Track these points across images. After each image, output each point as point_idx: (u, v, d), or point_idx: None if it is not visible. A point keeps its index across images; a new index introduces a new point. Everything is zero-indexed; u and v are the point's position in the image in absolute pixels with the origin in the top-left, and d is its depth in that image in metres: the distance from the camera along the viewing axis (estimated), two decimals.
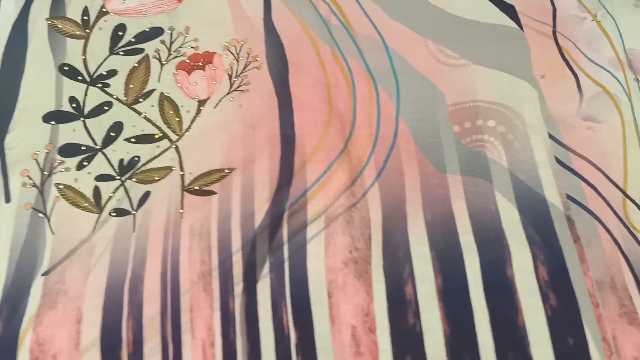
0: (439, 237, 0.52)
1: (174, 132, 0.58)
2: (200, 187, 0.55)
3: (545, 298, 0.48)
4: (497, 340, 0.47)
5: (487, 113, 0.57)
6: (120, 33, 0.62)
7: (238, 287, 0.51)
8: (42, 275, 0.52)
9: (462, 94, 0.59)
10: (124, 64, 0.61)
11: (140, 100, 0.59)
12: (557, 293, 0.49)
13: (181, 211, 0.54)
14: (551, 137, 0.56)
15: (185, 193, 0.55)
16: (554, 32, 0.62)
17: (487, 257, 0.50)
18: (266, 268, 0.51)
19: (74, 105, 0.59)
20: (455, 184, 0.54)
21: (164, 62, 0.61)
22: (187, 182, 0.55)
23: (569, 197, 0.53)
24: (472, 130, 0.57)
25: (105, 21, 0.63)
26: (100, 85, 0.60)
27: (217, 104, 0.59)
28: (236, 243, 0.52)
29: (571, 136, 0.56)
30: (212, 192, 0.55)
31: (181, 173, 0.56)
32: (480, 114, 0.57)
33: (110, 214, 0.54)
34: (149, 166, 0.56)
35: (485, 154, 0.55)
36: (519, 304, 0.48)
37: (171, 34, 0.63)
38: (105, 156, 0.57)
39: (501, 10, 0.63)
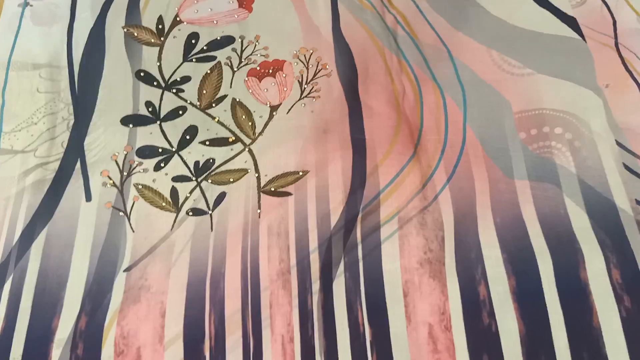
0: (510, 240, 0.53)
1: (247, 135, 0.60)
2: (276, 188, 0.57)
3: (619, 300, 0.49)
4: (572, 341, 0.49)
5: (553, 120, 0.59)
6: (193, 41, 0.65)
7: (315, 285, 0.52)
8: (124, 271, 0.54)
9: (528, 102, 0.60)
10: (197, 70, 0.64)
11: (213, 105, 0.62)
12: (631, 295, 0.50)
13: (259, 211, 0.56)
14: (618, 144, 0.57)
15: (262, 194, 0.57)
16: (616, 44, 0.64)
17: (560, 260, 0.52)
18: (341, 267, 0.53)
19: (150, 109, 0.61)
20: (523, 189, 0.56)
21: (235, 69, 0.64)
22: (263, 183, 0.57)
23: (638, 202, 0.54)
24: (539, 137, 0.58)
25: (179, 30, 0.66)
26: (174, 90, 0.62)
27: (289, 110, 0.61)
28: (313, 242, 0.54)
29: (638, 143, 0.57)
30: (288, 194, 0.57)
31: (257, 175, 0.58)
32: (546, 121, 0.59)
33: (187, 214, 0.56)
34: (223, 168, 0.59)
35: (553, 160, 0.57)
36: (594, 306, 0.49)
37: (242, 42, 0.65)
38: (182, 158, 0.59)
39: (563, 22, 0.65)
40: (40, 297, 0.53)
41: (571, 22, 0.65)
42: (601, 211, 0.54)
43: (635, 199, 0.54)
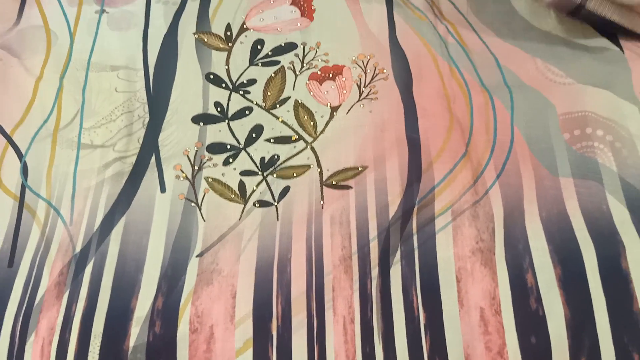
0: (555, 233, 0.56)
1: (309, 134, 0.63)
2: (337, 182, 0.60)
3: None
4: (613, 325, 0.51)
5: (595, 123, 0.61)
6: (259, 47, 0.69)
7: (374, 271, 0.55)
8: (197, 256, 0.57)
9: (571, 105, 0.62)
10: (262, 74, 0.67)
11: (277, 106, 0.65)
12: None
13: (321, 203, 0.59)
14: None
15: (324, 187, 0.60)
16: None
17: (603, 250, 0.54)
18: (398, 255, 0.56)
19: (218, 109, 0.65)
20: (567, 186, 0.58)
21: (297, 73, 0.67)
22: (325, 177, 0.61)
23: None
24: (582, 138, 0.61)
25: (245, 36, 0.70)
26: (241, 92, 0.66)
27: (349, 110, 0.65)
28: (372, 231, 0.57)
29: None
30: (348, 187, 0.60)
31: (319, 170, 0.61)
32: (589, 122, 0.61)
33: (254, 205, 0.60)
34: (287, 164, 0.62)
35: (596, 159, 0.59)
36: (634, 293, 0.52)
37: (304, 48, 0.69)
38: (248, 154, 0.62)
39: (602, 34, 0.67)
40: (119, 279, 0.56)
41: (610, 34, 0.67)
42: None
43: None
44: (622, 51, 0.66)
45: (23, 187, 0.62)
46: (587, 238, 0.55)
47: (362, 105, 0.65)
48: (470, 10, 0.70)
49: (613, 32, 0.67)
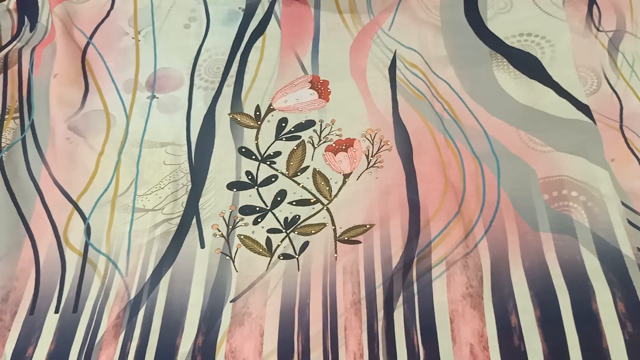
0: (536, 280, 0.61)
1: (325, 197, 0.71)
2: (349, 238, 0.67)
3: (623, 327, 0.57)
4: (585, 358, 0.56)
5: (570, 185, 0.66)
6: (283, 124, 0.76)
7: (380, 313, 0.61)
8: (231, 302, 0.63)
9: (550, 170, 0.68)
10: (286, 147, 0.74)
11: (299, 174, 0.72)
12: (633, 323, 0.57)
13: (335, 255, 0.66)
14: (623, 204, 0.65)
15: (338, 242, 0.67)
16: (621, 126, 0.72)
17: (576, 295, 0.59)
18: (400, 300, 0.62)
19: (249, 177, 0.72)
20: (546, 240, 0.64)
21: (316, 146, 0.74)
22: (338, 234, 0.68)
23: (639, 249, 0.62)
24: (559, 198, 0.66)
25: (272, 116, 0.77)
26: (268, 162, 0.73)
27: (358, 177, 0.71)
28: (378, 280, 0.63)
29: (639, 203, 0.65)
30: (358, 242, 0.67)
31: (333, 227, 0.68)
32: (565, 185, 0.67)
33: (279, 258, 0.67)
34: (306, 223, 0.69)
35: (571, 216, 0.64)
36: (603, 331, 0.57)
37: (321, 125, 0.76)
38: (274, 215, 0.70)
39: (578, 109, 0.73)
40: (166, 321, 0.62)
41: (585, 109, 0.73)
42: (609, 257, 0.61)
43: (637, 247, 0.62)
44: (595, 123, 0.72)
45: (86, 245, 0.69)
46: (562, 284, 0.61)
47: (370, 173, 0.72)
48: (464, 90, 0.77)
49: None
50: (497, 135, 0.73)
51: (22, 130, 0.77)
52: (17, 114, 0.79)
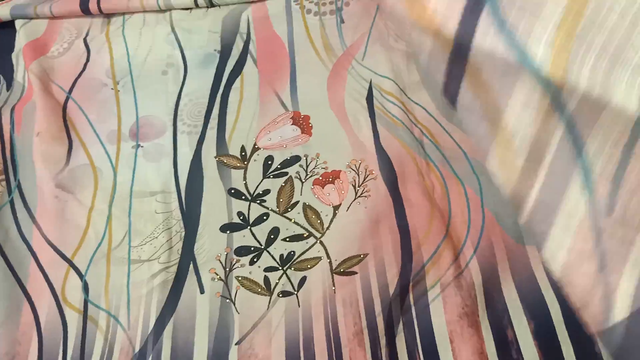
0: (527, 294, 0.64)
1: (318, 231, 0.72)
2: (345, 269, 0.69)
3: None
4: None
5: None
6: (269, 162, 0.77)
7: (383, 340, 0.64)
8: (235, 344, 0.65)
9: None
10: (274, 184, 0.75)
11: (289, 209, 0.74)
12: None
13: (333, 288, 0.68)
14: None
15: (335, 275, 0.69)
16: None
17: (566, 306, 0.62)
18: (400, 325, 0.65)
19: (241, 218, 0.74)
20: (533, 253, 0.67)
21: (303, 181, 0.75)
22: (334, 266, 0.70)
23: None
24: None
25: (258, 154, 0.78)
26: (258, 201, 0.75)
27: (348, 207, 0.73)
28: (377, 307, 0.66)
29: None
30: (354, 272, 0.69)
31: (328, 261, 0.70)
32: None
33: (278, 296, 0.68)
34: (302, 258, 0.71)
35: None
36: (595, 338, 0.60)
37: (306, 159, 0.77)
38: (269, 253, 0.71)
39: None
40: None
41: None
42: None
43: None
44: None
45: (85, 302, 0.70)
46: (553, 297, 0.64)
47: (358, 203, 0.74)
48: (440, 113, 0.79)
49: None
50: (477, 155, 0.74)
51: (10, 192, 0.79)
52: (3, 176, 0.80)
